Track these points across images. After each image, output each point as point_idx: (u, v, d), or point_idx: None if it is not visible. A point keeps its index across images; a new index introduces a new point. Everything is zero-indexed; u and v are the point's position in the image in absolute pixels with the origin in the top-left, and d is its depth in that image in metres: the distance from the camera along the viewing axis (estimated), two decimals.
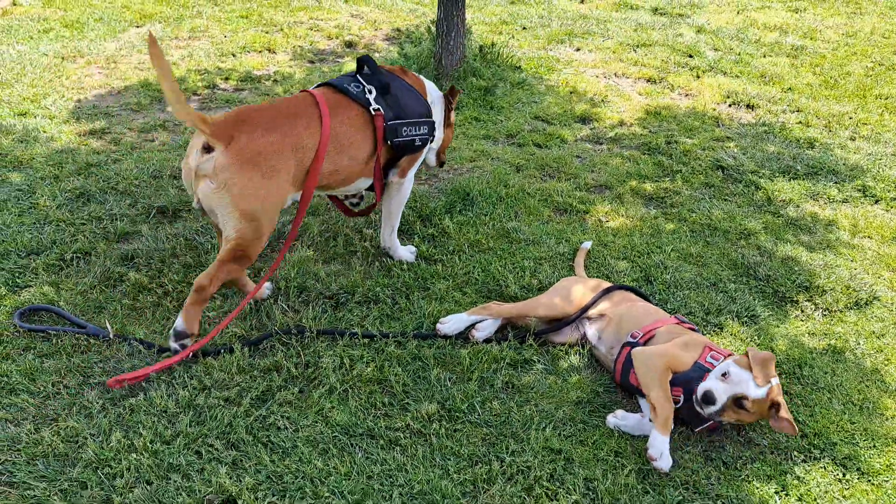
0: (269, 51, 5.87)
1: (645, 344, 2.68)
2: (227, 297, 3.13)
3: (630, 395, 2.71)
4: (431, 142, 3.27)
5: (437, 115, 3.34)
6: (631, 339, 2.72)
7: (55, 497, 2.22)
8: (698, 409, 2.43)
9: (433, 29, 5.23)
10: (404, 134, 3.11)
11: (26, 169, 3.97)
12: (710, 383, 2.42)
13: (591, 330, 2.87)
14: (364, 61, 3.18)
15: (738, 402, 2.37)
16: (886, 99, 5.42)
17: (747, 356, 2.44)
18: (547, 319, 2.98)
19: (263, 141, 2.76)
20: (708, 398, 2.39)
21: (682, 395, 2.48)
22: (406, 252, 3.43)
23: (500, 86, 5.18)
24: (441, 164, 3.53)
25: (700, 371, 2.49)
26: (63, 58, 5.47)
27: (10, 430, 2.44)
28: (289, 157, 2.82)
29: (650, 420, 2.47)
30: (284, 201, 2.88)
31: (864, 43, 6.62)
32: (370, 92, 3.06)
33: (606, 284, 3.00)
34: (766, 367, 2.38)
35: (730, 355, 2.53)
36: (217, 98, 4.99)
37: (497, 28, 6.66)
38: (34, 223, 3.52)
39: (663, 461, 2.36)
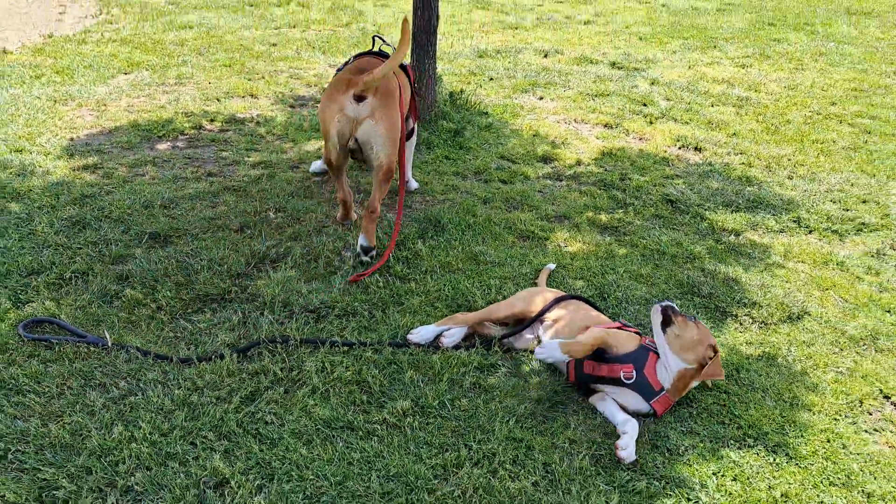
0: (252, 96, 6.22)
1: None
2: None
3: (586, 393, 3.01)
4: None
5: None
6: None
7: (63, 480, 2.45)
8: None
9: None
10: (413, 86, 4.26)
11: (24, 199, 4.23)
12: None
13: (546, 334, 3.18)
14: (377, 37, 4.36)
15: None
16: (822, 143, 5.89)
17: None
18: (508, 321, 3.30)
19: (391, 87, 3.78)
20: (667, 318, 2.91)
21: (633, 371, 2.84)
22: (413, 182, 4.69)
23: (468, 128, 5.56)
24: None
25: (645, 350, 2.88)
26: (55, 101, 5.76)
27: (19, 424, 2.68)
28: (399, 99, 3.87)
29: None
30: None
31: (804, 95, 7.14)
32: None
33: (563, 294, 3.34)
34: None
35: None
36: (204, 137, 5.30)
37: (466, 78, 7.08)
38: (33, 247, 3.77)
39: (546, 352, 2.87)
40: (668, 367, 2.86)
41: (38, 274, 3.56)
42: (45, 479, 2.46)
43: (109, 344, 3.11)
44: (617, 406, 2.87)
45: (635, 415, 2.86)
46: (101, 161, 4.78)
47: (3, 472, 2.48)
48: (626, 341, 2.95)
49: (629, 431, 2.72)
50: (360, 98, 3.65)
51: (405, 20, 3.70)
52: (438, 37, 8.59)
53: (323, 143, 4.07)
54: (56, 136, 5.10)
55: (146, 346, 3.12)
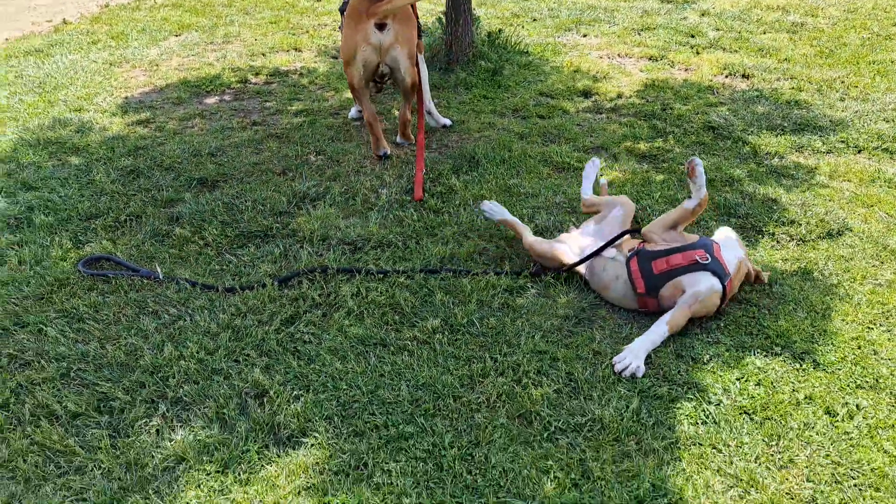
0: (296, 49, 6.36)
1: (640, 249, 3.10)
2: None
3: (614, 309, 3.06)
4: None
5: None
6: (629, 253, 3.10)
7: (119, 392, 2.66)
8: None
9: (443, 18, 5.65)
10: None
11: (83, 153, 4.47)
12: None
13: (611, 250, 3.19)
14: None
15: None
16: (880, 64, 5.69)
17: None
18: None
19: (408, 11, 4.10)
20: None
21: (706, 254, 2.96)
22: (443, 118, 4.83)
23: (507, 67, 5.58)
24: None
25: (707, 238, 3.09)
26: (111, 63, 6.01)
27: (80, 347, 2.89)
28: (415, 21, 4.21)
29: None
30: None
31: (863, 17, 6.88)
32: None
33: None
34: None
35: None
36: (249, 90, 5.48)
37: (508, 21, 7.06)
38: (92, 194, 4.01)
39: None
40: (732, 255, 3.02)
41: (97, 218, 3.80)
42: (103, 392, 2.67)
43: (161, 277, 3.31)
44: None
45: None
46: (153, 116, 5.00)
47: (66, 387, 2.70)
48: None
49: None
50: (381, 26, 3.94)
51: None
52: None
53: (344, 68, 4.25)
54: (112, 96, 5.34)
55: (194, 278, 3.31)
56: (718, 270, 2.93)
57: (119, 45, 6.47)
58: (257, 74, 5.78)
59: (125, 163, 4.32)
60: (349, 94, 5.31)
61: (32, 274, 3.32)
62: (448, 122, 4.82)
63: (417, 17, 4.40)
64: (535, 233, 3.58)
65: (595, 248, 3.20)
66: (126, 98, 5.33)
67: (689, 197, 3.10)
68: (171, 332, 2.97)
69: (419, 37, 4.45)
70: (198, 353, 2.84)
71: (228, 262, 3.45)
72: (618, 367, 2.72)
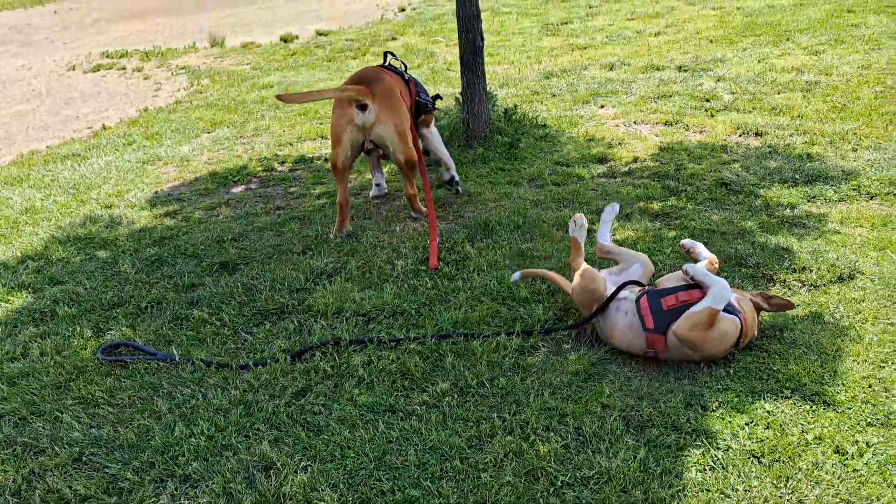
0: (323, 138, 6.59)
1: (649, 288, 3.18)
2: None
3: (631, 358, 3.04)
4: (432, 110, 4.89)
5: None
6: (639, 292, 3.15)
7: (129, 473, 2.70)
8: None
9: (460, 98, 5.82)
10: (423, 98, 4.75)
11: (110, 246, 4.66)
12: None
13: (624, 292, 3.21)
14: (389, 53, 4.89)
15: None
16: (893, 115, 5.66)
17: None
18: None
19: (388, 87, 4.29)
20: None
21: None
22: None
23: (523, 140, 5.69)
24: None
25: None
26: (144, 162, 6.30)
27: (94, 432, 2.96)
28: (403, 96, 4.43)
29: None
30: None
31: (877, 72, 6.87)
32: (406, 70, 4.80)
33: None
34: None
35: None
36: (274, 178, 5.67)
37: (528, 98, 7.23)
38: (116, 285, 4.15)
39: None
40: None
41: (119, 306, 3.92)
42: (112, 475, 2.71)
43: (177, 358, 3.39)
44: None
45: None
46: (180, 207, 5.20)
47: (77, 471, 2.75)
48: None
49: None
50: (363, 107, 4.19)
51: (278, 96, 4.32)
52: (506, 65, 8.84)
53: (331, 148, 4.48)
54: (142, 191, 5.58)
55: (210, 358, 3.38)
56: (730, 307, 2.93)
57: (153, 145, 6.78)
58: (283, 163, 5.99)
59: (150, 252, 4.48)
60: (369, 175, 5.44)
61: (52, 363, 3.43)
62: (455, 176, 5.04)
63: (415, 95, 4.68)
64: (549, 292, 3.60)
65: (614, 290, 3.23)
66: (156, 192, 5.55)
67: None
68: (184, 412, 3.02)
69: (423, 113, 4.77)
70: (208, 430, 2.88)
71: (244, 340, 3.52)
72: None
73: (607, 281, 3.34)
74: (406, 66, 4.90)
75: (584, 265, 3.40)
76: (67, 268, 4.41)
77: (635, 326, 3.06)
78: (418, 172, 4.53)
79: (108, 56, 11.80)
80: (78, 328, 3.73)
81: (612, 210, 3.65)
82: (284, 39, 11.78)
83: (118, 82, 10.10)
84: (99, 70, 10.92)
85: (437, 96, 5.06)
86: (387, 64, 4.77)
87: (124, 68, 10.85)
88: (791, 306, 3.12)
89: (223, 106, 8.07)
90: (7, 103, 9.51)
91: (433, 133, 5.01)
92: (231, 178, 5.72)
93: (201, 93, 9.01)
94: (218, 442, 2.82)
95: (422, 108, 4.76)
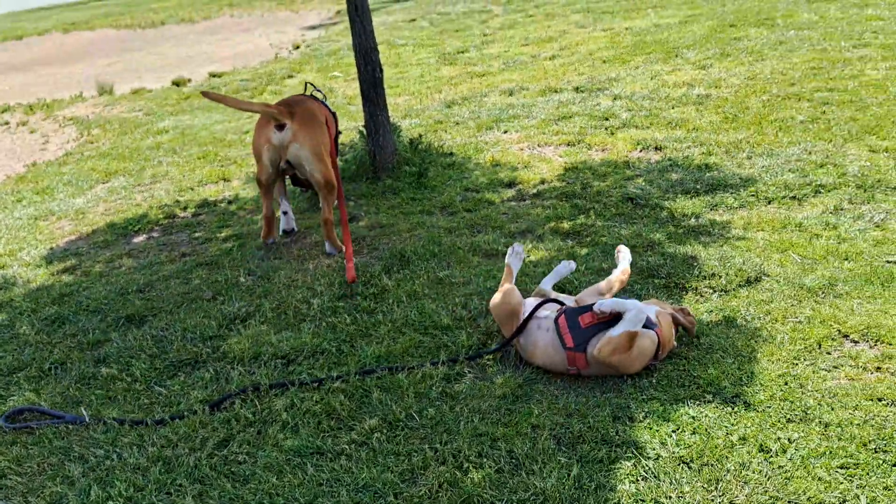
0: (225, 180, 6.43)
1: (566, 307, 3.22)
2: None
3: (555, 376, 3.04)
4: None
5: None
6: (557, 312, 3.18)
7: None
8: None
9: (363, 131, 5.79)
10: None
11: (6, 308, 4.39)
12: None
13: (543, 311, 3.24)
14: (309, 84, 5.24)
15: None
16: (781, 121, 5.95)
17: None
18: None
19: (311, 110, 4.49)
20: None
21: None
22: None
23: (431, 169, 5.70)
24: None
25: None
26: (36, 218, 6.00)
27: None
28: (322, 119, 4.57)
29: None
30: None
31: (763, 82, 7.24)
32: (325, 100, 5.05)
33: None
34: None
35: None
36: (177, 225, 5.49)
37: (432, 127, 7.26)
38: (15, 349, 3.91)
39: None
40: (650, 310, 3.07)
41: (20, 370, 3.69)
42: None
43: (87, 419, 3.20)
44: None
45: None
46: (78, 262, 4.96)
47: None
48: None
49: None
50: (280, 127, 4.33)
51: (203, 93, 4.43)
52: (406, 96, 8.89)
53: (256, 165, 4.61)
54: (36, 249, 5.30)
55: (122, 416, 3.20)
56: (648, 322, 2.98)
57: (44, 200, 6.48)
58: (185, 208, 5.81)
59: (50, 311, 4.25)
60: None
61: None
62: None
63: (335, 123, 4.83)
64: (470, 319, 3.59)
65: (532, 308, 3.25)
66: (51, 248, 5.29)
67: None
68: (99, 474, 2.85)
69: (336, 139, 4.83)
70: (126, 490, 2.72)
71: (158, 394, 3.36)
72: None
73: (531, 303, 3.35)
74: (326, 97, 5.10)
75: (509, 285, 3.41)
76: None
77: (556, 344, 3.08)
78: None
79: None
80: None
81: (567, 266, 3.64)
82: (177, 83, 11.53)
83: (2, 137, 9.64)
84: None
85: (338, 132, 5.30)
86: (310, 94, 4.99)
87: (7, 123, 10.36)
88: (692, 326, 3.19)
89: (117, 155, 7.80)
90: None
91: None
92: (131, 228, 5.50)
93: (92, 143, 8.69)
94: (138, 502, 2.67)
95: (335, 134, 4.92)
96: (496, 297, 3.37)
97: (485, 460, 2.64)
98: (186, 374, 3.49)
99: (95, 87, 11.75)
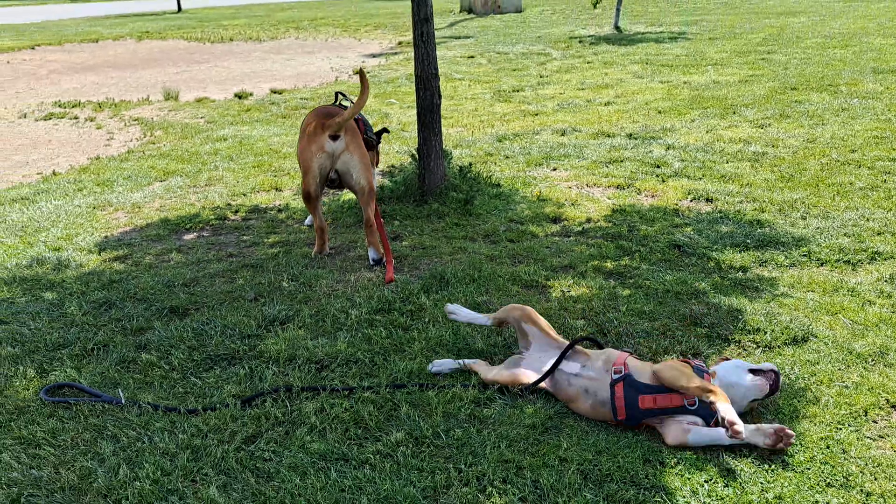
0: (277, 189, 6.56)
1: (627, 374, 3.00)
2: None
3: (582, 417, 3.02)
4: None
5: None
6: (615, 375, 3.01)
7: None
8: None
9: (416, 154, 5.88)
10: (368, 134, 5.16)
11: (57, 288, 4.51)
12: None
13: (573, 364, 3.16)
14: (339, 94, 5.30)
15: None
16: (839, 186, 5.89)
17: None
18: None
19: (355, 126, 4.77)
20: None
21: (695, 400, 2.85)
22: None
23: (477, 198, 5.75)
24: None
25: (700, 371, 2.94)
26: (94, 207, 6.17)
27: (33, 473, 2.82)
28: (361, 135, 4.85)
29: (711, 404, 2.78)
30: None
31: (823, 146, 7.18)
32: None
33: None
34: None
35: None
36: (227, 226, 5.60)
37: (482, 159, 7.33)
38: (62, 326, 4.01)
39: (740, 425, 2.65)
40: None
41: (64, 347, 3.79)
42: None
43: (123, 401, 3.27)
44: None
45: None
46: (130, 252, 5.09)
47: None
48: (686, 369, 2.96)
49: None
50: (334, 137, 4.56)
51: (361, 71, 4.80)
52: (459, 128, 8.98)
53: (302, 178, 4.75)
54: (91, 236, 5.45)
55: (157, 402, 3.27)
56: (705, 414, 2.86)
57: (104, 191, 6.66)
58: (236, 212, 5.93)
59: (98, 295, 4.36)
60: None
61: None
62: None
63: (363, 132, 5.08)
64: (506, 347, 3.59)
65: (550, 365, 3.19)
66: (106, 237, 5.43)
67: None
68: (129, 455, 2.91)
69: (372, 149, 5.22)
70: (153, 473, 2.77)
71: (193, 384, 3.42)
72: None
73: (542, 349, 3.33)
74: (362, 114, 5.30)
75: (491, 377, 3.30)
76: (12, 308, 4.26)
77: (600, 407, 3.00)
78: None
79: (60, 105, 11.65)
80: (21, 368, 3.58)
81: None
82: (239, 96, 11.80)
83: (70, 131, 9.95)
84: (51, 119, 10.75)
85: (385, 130, 5.74)
86: (338, 103, 5.18)
87: (77, 118, 10.70)
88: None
89: (176, 156, 8.00)
90: None
91: (374, 172, 5.40)
92: (183, 226, 5.64)
93: (154, 143, 8.92)
94: (163, 486, 2.71)
95: (367, 144, 5.04)
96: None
97: (509, 486, 2.63)
98: (222, 368, 3.55)
99: (162, 92, 12.09)
